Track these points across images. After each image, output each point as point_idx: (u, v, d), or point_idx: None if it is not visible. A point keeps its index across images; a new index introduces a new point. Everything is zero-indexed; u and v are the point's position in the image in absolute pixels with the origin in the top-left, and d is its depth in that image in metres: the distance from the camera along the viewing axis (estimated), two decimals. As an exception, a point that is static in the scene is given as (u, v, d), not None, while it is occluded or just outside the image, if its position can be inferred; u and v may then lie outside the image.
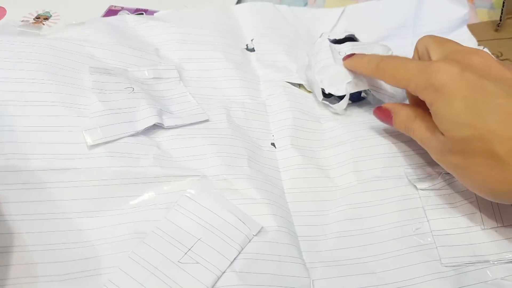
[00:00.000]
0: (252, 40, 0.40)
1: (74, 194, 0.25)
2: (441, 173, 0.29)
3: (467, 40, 0.42)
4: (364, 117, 0.35)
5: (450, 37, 0.43)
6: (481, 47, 0.41)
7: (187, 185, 0.27)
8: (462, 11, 0.42)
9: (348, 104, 0.35)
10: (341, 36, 0.37)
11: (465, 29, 0.42)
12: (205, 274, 0.23)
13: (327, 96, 0.35)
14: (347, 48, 0.36)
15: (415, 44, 0.31)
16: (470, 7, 0.45)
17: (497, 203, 0.27)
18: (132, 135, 0.28)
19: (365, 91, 0.34)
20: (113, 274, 0.23)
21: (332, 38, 0.37)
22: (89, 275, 0.23)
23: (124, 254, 0.24)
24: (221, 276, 0.23)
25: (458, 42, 0.42)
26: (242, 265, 0.23)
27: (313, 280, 0.24)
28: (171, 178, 0.27)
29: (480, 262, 0.25)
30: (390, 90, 0.35)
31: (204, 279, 0.23)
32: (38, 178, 0.24)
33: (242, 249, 0.24)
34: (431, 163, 0.31)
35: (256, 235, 0.25)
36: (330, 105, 0.35)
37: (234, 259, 0.24)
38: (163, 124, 0.29)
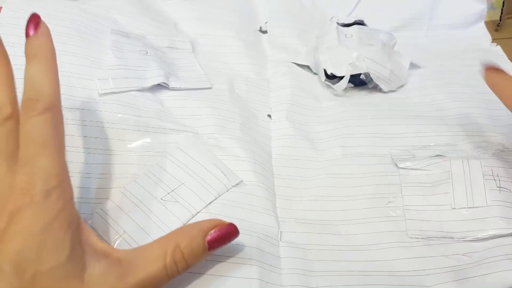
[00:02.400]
0: (266, 23, 0.42)
1: (82, 131, 0.28)
2: (427, 156, 0.30)
3: (483, 36, 0.42)
4: (362, 99, 0.36)
5: (466, 31, 0.44)
6: (494, 44, 0.41)
7: (180, 139, 0.30)
8: (479, 6, 0.42)
9: (350, 87, 0.37)
10: (350, 21, 0.39)
11: (482, 25, 0.42)
12: (182, 212, 0.25)
13: (330, 77, 0.37)
14: (354, 31, 0.37)
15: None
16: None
17: (471, 185, 0.27)
18: (139, 90, 0.31)
19: (365, 75, 0.36)
20: (103, 204, 0.26)
21: (341, 22, 0.38)
22: (84, 202, 0.26)
23: (117, 189, 0.27)
24: (196, 214, 0.25)
25: (472, 37, 0.42)
26: (216, 208, 0.26)
27: (281, 232, 0.26)
28: (167, 131, 0.30)
29: (445, 238, 0.26)
30: (389, 75, 0.36)
31: (180, 216, 0.25)
32: None
33: (220, 195, 0.27)
34: (418, 147, 0.32)
35: (234, 186, 0.27)
36: (331, 85, 0.37)
37: (210, 202, 0.26)
38: (168, 85, 0.32)
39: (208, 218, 0.25)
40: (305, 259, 0.25)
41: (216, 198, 0.26)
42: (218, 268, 0.23)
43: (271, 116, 0.35)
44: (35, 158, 0.19)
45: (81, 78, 0.30)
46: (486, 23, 0.43)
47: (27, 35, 0.22)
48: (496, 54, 0.40)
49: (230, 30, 0.40)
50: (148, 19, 0.38)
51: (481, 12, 0.42)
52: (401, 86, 0.37)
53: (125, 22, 0.37)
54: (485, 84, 0.37)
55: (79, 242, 0.20)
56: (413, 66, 0.38)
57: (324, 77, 0.37)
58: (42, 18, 0.32)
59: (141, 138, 0.29)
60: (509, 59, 0.38)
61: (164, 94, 0.32)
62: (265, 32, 0.42)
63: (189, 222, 0.25)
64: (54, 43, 0.31)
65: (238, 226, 0.25)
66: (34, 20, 0.22)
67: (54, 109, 0.20)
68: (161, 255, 0.20)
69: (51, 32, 0.32)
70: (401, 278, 0.25)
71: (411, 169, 0.30)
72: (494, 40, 0.41)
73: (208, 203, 0.26)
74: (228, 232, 0.22)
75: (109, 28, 0.35)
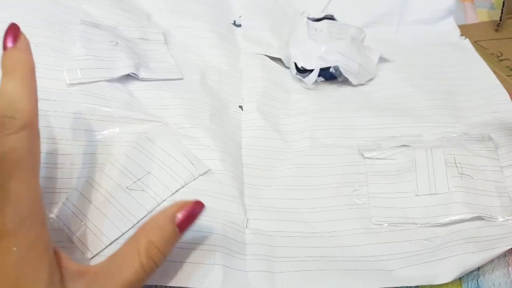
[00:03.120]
0: (240, 17, 0.43)
1: (50, 122, 0.28)
2: (393, 146, 0.31)
3: (452, 30, 0.43)
4: (332, 93, 0.37)
5: (436, 27, 0.44)
6: (462, 38, 0.42)
7: (148, 129, 0.30)
8: (448, 1, 0.43)
9: (321, 81, 0.37)
10: (320, 16, 0.39)
11: (451, 19, 0.43)
12: (148, 200, 0.25)
13: (301, 71, 0.37)
14: (324, 25, 0.38)
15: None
16: (470, 7, 0.46)
17: (433, 172, 0.28)
18: (108, 81, 0.31)
19: (335, 69, 0.36)
20: (69, 193, 0.26)
21: (312, 16, 0.39)
22: (50, 192, 0.26)
23: (83, 179, 0.27)
24: (161, 203, 0.25)
25: (441, 32, 0.43)
26: (183, 196, 0.26)
27: (248, 219, 0.27)
28: (135, 121, 0.30)
29: (407, 224, 0.27)
30: (358, 69, 0.37)
31: (146, 204, 0.25)
32: None
33: (186, 184, 0.27)
34: (384, 138, 0.33)
35: (202, 174, 0.27)
36: (302, 79, 0.37)
37: (177, 191, 0.26)
38: (138, 76, 0.32)
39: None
40: (270, 245, 0.25)
41: (182, 187, 0.26)
42: (182, 254, 0.23)
43: (243, 107, 0.35)
44: (8, 182, 0.18)
45: (50, 69, 0.30)
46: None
47: (4, 47, 0.20)
48: (465, 48, 0.41)
49: (203, 22, 0.40)
50: (120, 11, 0.38)
51: (450, 7, 0.43)
52: (370, 80, 0.38)
53: (97, 13, 0.36)
54: (451, 77, 0.38)
55: (55, 269, 0.19)
56: (382, 60, 0.39)
57: (295, 71, 0.37)
58: (11, 10, 0.32)
59: (109, 128, 0.29)
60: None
61: (134, 85, 0.32)
62: (239, 25, 0.42)
63: (154, 211, 0.25)
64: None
65: (204, 214, 0.26)
66: (13, 31, 0.20)
67: (30, 128, 0.19)
68: (135, 255, 0.20)
69: (20, 23, 0.32)
70: (365, 263, 0.25)
71: (377, 158, 0.30)
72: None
73: (174, 192, 0.26)
74: (194, 209, 0.22)
75: (80, 19, 0.34)
